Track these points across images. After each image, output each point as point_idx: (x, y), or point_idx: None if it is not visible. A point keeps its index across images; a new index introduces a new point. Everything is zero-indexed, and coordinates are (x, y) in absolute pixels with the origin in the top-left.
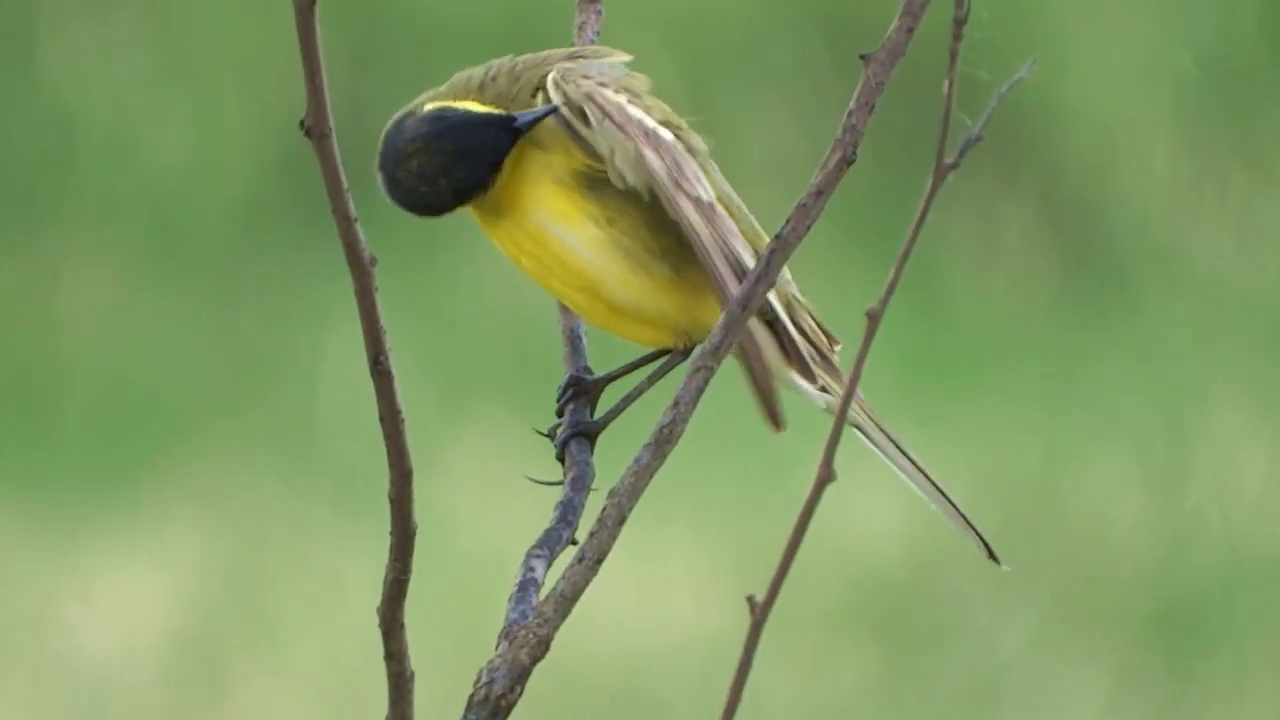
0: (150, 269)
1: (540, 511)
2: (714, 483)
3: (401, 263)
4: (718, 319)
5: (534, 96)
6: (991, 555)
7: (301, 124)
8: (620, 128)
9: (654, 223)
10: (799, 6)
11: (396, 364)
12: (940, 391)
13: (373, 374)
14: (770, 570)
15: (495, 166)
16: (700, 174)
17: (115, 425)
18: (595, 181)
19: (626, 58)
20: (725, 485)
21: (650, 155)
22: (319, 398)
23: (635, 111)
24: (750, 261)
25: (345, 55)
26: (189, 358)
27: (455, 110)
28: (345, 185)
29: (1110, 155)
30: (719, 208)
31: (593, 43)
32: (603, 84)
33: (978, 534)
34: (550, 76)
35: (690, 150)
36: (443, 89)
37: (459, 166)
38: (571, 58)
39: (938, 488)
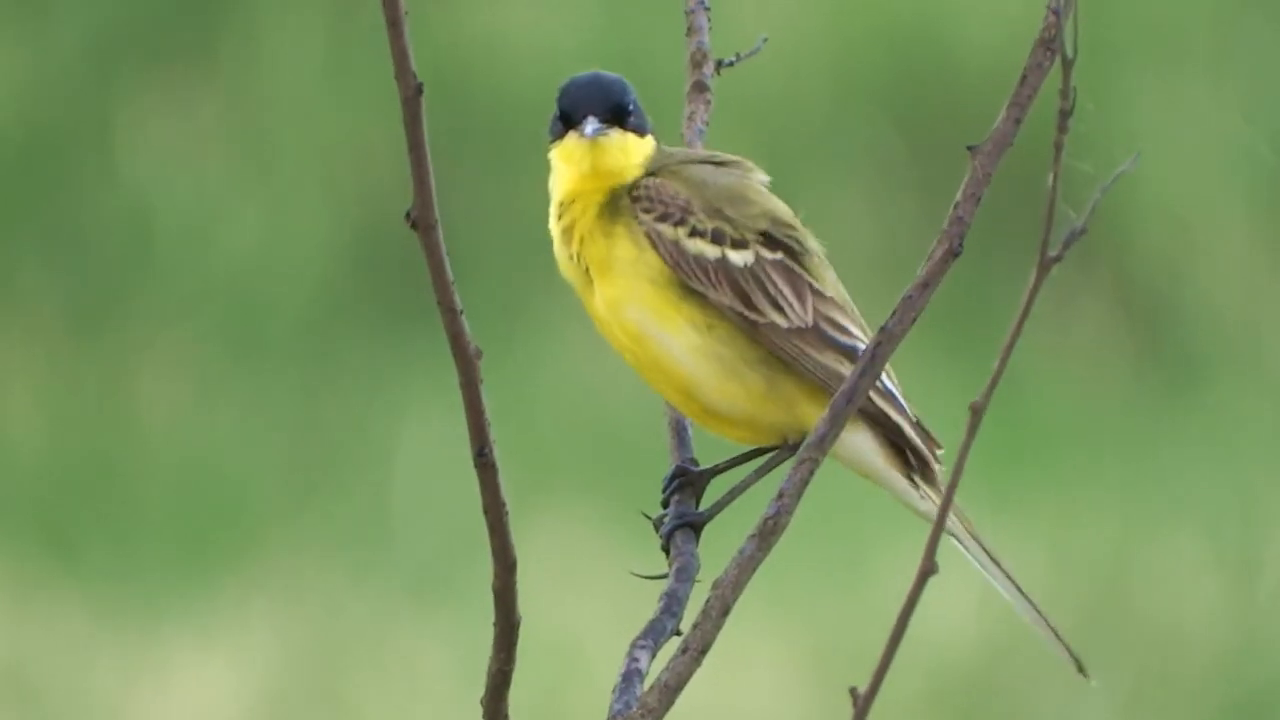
0: (227, 362)
1: (626, 602)
2: (791, 575)
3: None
4: (820, 413)
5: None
6: (1080, 669)
7: (407, 215)
8: (676, 267)
9: (750, 331)
10: (873, 95)
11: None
12: (1017, 479)
13: (476, 465)
14: (849, 659)
15: None
16: (789, 289)
17: (193, 518)
18: (689, 286)
19: (763, 177)
20: (802, 577)
21: (712, 294)
22: (394, 490)
23: (693, 247)
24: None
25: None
26: (266, 451)
27: None
28: (450, 277)
29: (1185, 243)
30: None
31: (702, 132)
32: (667, 215)
33: (1066, 647)
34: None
35: (797, 256)
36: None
37: None
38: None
39: (1027, 598)
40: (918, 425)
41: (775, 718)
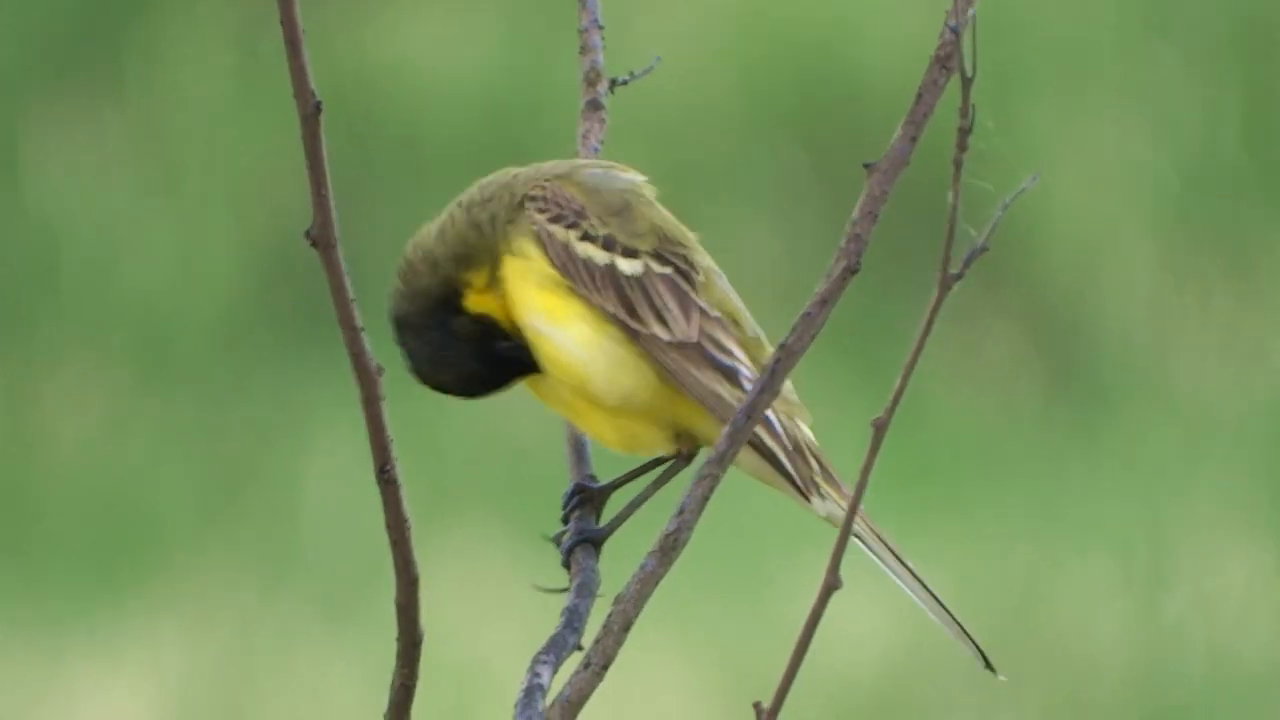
0: (134, 384)
1: (532, 619)
2: (700, 592)
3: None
4: (707, 420)
5: (519, 210)
6: (988, 665)
7: (307, 234)
8: (562, 269)
9: (631, 340)
10: (779, 116)
11: None
12: (924, 502)
13: (379, 482)
14: (755, 676)
15: (498, 377)
16: (674, 303)
17: (100, 539)
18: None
19: (638, 177)
20: (711, 595)
21: (595, 298)
22: (303, 507)
23: (583, 250)
24: (747, 374)
25: (338, 166)
26: (174, 470)
27: (429, 335)
28: (351, 295)
29: (1094, 268)
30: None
31: (596, 151)
32: (560, 216)
33: (975, 644)
34: (525, 193)
35: (685, 274)
36: (439, 221)
37: (473, 387)
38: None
39: (935, 597)
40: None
41: None
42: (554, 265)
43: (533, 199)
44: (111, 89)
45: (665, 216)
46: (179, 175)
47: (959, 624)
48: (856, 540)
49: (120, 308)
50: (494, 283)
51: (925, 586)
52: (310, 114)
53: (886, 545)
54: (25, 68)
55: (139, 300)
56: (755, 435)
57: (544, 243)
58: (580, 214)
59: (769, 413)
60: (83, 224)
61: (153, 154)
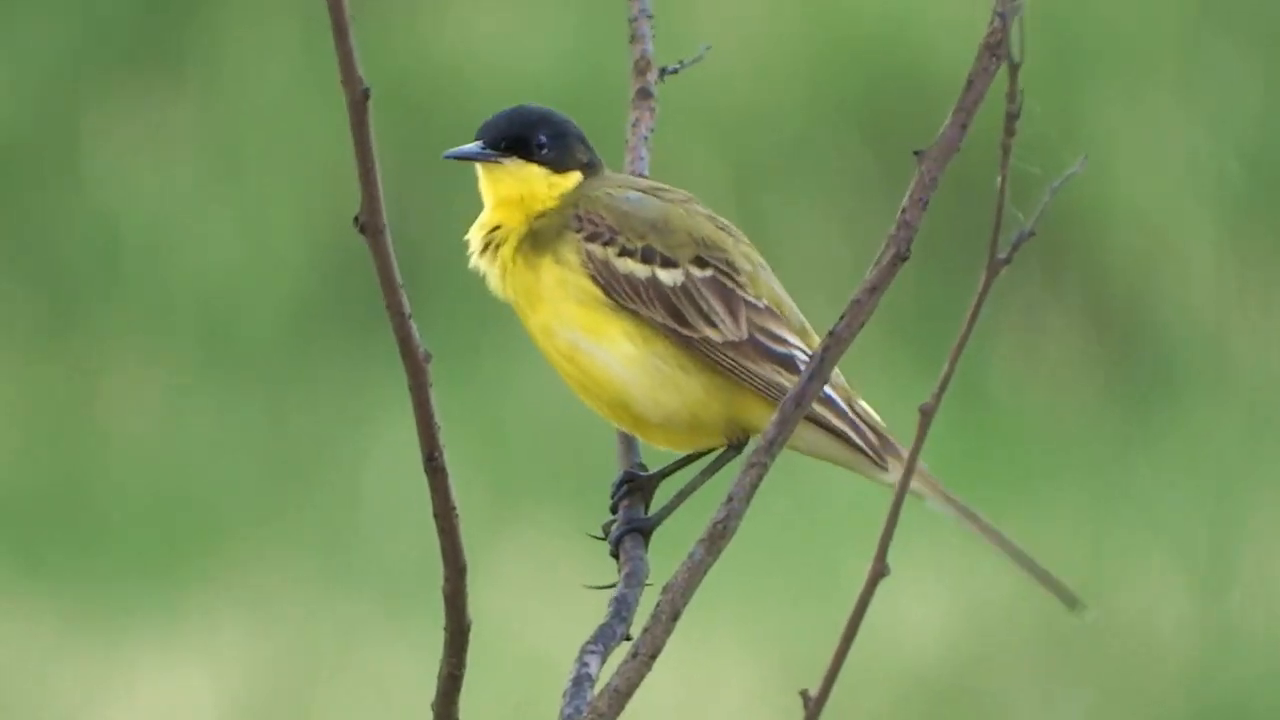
0: (197, 371)
1: (590, 610)
2: (757, 583)
3: (451, 361)
4: (763, 414)
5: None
6: (1074, 605)
7: (356, 220)
8: (606, 287)
9: (685, 347)
10: (841, 108)
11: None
12: (984, 491)
13: (427, 470)
14: (817, 669)
15: None
16: (720, 304)
17: (161, 527)
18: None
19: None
20: (768, 586)
21: (644, 311)
22: (364, 497)
23: (623, 266)
24: (803, 358)
25: (392, 155)
26: (235, 459)
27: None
28: (399, 281)
29: (1155, 254)
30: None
31: (646, 139)
32: (597, 234)
33: (1058, 585)
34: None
35: (727, 273)
36: None
37: None
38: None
39: (1014, 545)
40: (863, 426)
41: None
42: (597, 283)
43: (577, 218)
44: (174, 77)
45: (702, 224)
46: (242, 163)
47: (1040, 568)
48: (927, 501)
49: (182, 296)
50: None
51: (999, 535)
52: (358, 100)
53: (953, 501)
54: (88, 55)
55: (200, 289)
56: (821, 415)
57: (587, 260)
58: (614, 230)
59: (829, 389)
60: (144, 212)
61: (215, 142)
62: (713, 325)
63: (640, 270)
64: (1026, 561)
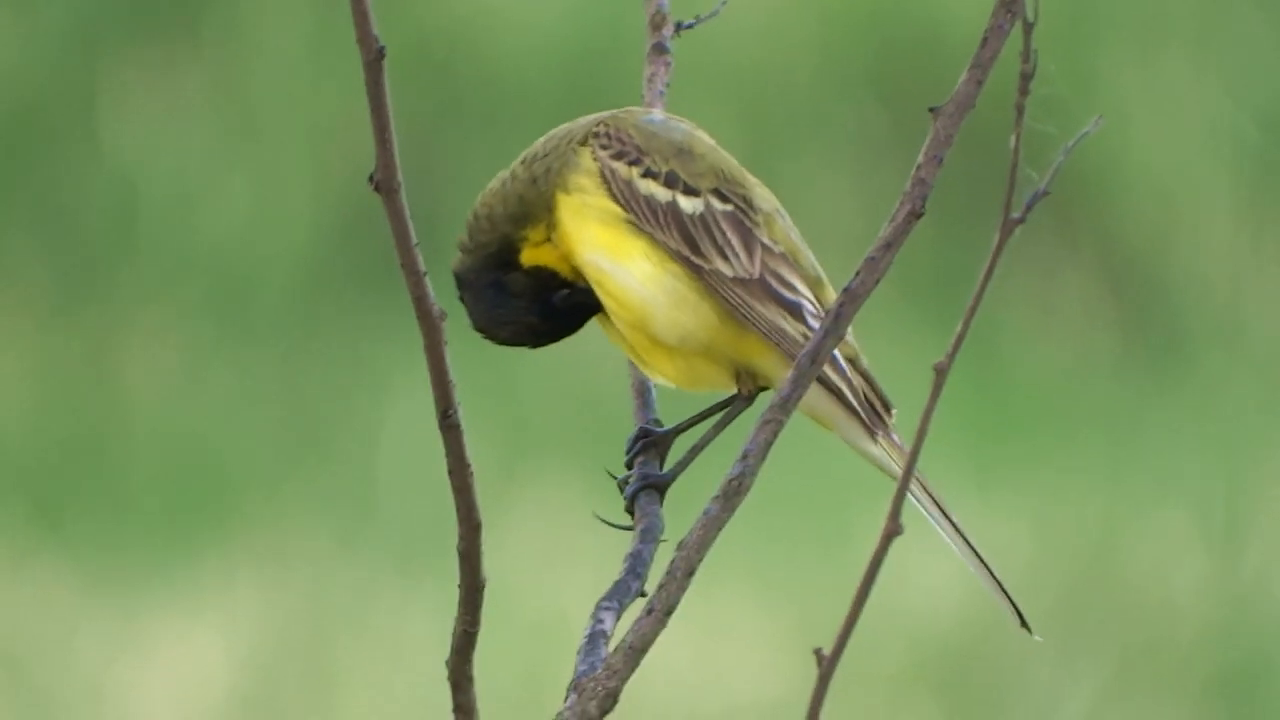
0: (212, 333)
1: (604, 568)
2: (774, 542)
3: (464, 319)
4: (768, 359)
5: (582, 145)
6: (1024, 625)
7: (370, 178)
8: (625, 205)
9: (694, 275)
10: (856, 68)
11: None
12: (1000, 453)
13: (441, 428)
14: (831, 627)
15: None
16: (736, 238)
17: (178, 489)
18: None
19: (694, 128)
20: (785, 544)
21: (659, 235)
22: (380, 458)
23: (645, 187)
24: (811, 309)
25: (412, 114)
26: (251, 421)
27: (485, 293)
28: (414, 239)
29: (1171, 217)
30: (756, 262)
31: (662, 94)
32: (623, 153)
33: (1011, 601)
34: (592, 130)
35: (745, 210)
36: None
37: (529, 340)
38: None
39: (977, 552)
40: (866, 388)
41: (760, 685)
42: (617, 201)
43: (596, 135)
44: (189, 39)
45: (726, 159)
46: (257, 125)
47: (997, 580)
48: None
49: (197, 259)
50: (551, 232)
51: (967, 540)
52: (373, 60)
53: (932, 496)
54: (103, 19)
55: (216, 251)
56: (821, 372)
57: (607, 179)
58: (641, 151)
59: (835, 351)
60: (160, 175)
61: (230, 104)
62: (725, 259)
63: (662, 194)
64: (988, 574)
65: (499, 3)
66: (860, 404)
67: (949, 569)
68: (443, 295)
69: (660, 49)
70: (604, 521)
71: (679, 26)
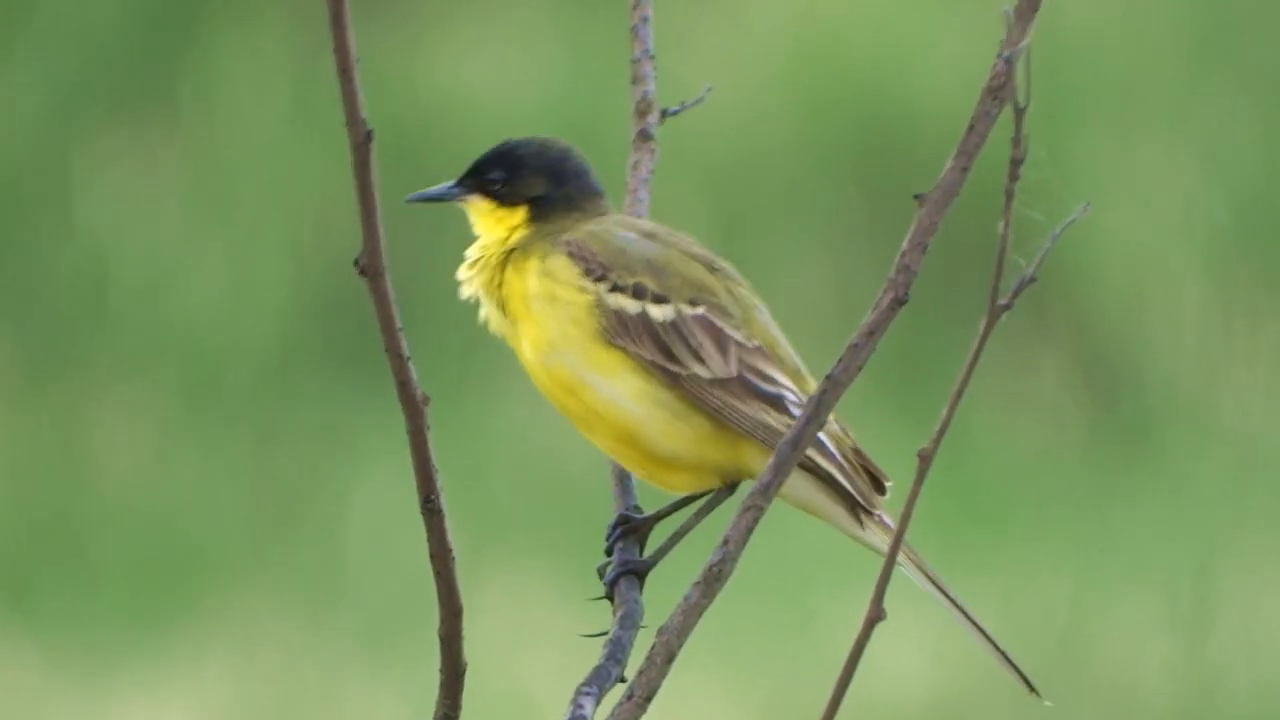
0: (184, 413)
1: (583, 653)
2: (743, 624)
3: (438, 399)
4: (756, 455)
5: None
6: (1032, 689)
7: (356, 262)
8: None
9: (672, 383)
10: (835, 153)
11: None
12: (969, 535)
13: (423, 512)
14: (797, 712)
15: None
16: (710, 341)
17: (148, 567)
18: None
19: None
20: (754, 627)
21: (632, 347)
22: (351, 539)
23: (614, 302)
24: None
25: (384, 196)
26: (222, 500)
27: None
28: (399, 324)
29: (1142, 301)
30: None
31: (647, 181)
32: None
33: (1017, 669)
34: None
35: (717, 311)
36: None
37: None
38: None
39: (976, 623)
40: (856, 462)
41: None
42: (591, 309)
43: (565, 243)
44: (165, 117)
45: (697, 270)
46: (231, 204)
47: (1000, 650)
48: (901, 567)
49: (170, 337)
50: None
51: (966, 613)
52: (361, 142)
53: (927, 573)
54: (80, 94)
55: (189, 329)
56: (808, 458)
57: (580, 282)
58: (606, 267)
59: (820, 435)
60: (135, 252)
61: (205, 183)
62: (700, 361)
63: (631, 305)
64: (990, 641)
65: (481, 86)
66: (851, 486)
67: (916, 652)
68: (424, 379)
69: (645, 135)
70: (584, 636)
71: (664, 113)
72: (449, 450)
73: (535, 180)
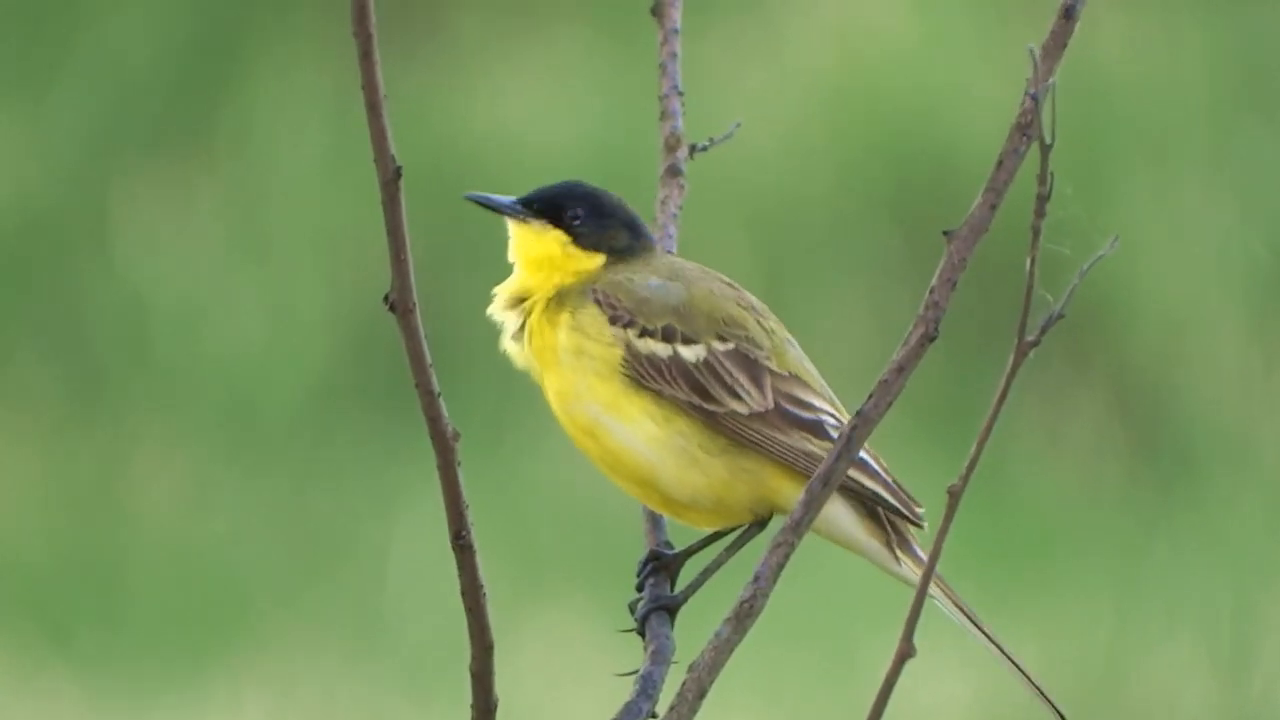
0: (222, 449)
1: (614, 689)
2: (774, 660)
3: (473, 437)
4: (788, 489)
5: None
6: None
7: (386, 299)
8: (628, 364)
9: (710, 422)
10: (870, 190)
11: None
12: (1008, 576)
13: (454, 549)
14: None
15: None
16: (744, 375)
17: (186, 606)
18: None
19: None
20: (785, 662)
21: (667, 390)
22: (389, 577)
23: (644, 346)
24: (832, 421)
25: (421, 234)
26: (260, 537)
27: None
28: (429, 360)
29: (1180, 340)
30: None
31: (675, 216)
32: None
33: (1050, 702)
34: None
35: (748, 345)
36: None
37: None
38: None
39: (1008, 656)
40: (895, 487)
41: None
42: (621, 359)
43: (596, 291)
44: (203, 156)
45: (726, 306)
46: (268, 242)
47: (1035, 684)
48: (934, 600)
49: (208, 375)
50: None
51: (999, 647)
52: (390, 179)
53: (960, 607)
54: (118, 133)
55: (227, 367)
56: (851, 478)
57: (611, 334)
58: (633, 313)
59: (864, 454)
60: (173, 291)
61: (243, 221)
62: (737, 398)
63: (661, 349)
64: (1024, 675)
65: (514, 123)
66: (899, 500)
67: (952, 689)
68: (452, 414)
69: (674, 171)
70: (619, 675)
71: (693, 149)
72: (486, 488)
73: (620, 232)
